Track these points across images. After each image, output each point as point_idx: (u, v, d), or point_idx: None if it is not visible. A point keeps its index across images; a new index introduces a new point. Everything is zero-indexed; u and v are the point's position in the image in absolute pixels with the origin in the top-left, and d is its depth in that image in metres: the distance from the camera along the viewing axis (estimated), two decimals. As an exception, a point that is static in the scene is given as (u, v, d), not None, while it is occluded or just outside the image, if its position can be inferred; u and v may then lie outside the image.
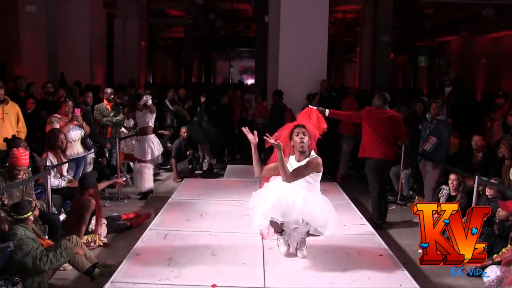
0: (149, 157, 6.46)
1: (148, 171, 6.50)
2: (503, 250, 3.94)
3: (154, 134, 6.63)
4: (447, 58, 18.45)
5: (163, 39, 22.82)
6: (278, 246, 4.04)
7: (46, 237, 4.31)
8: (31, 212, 3.76)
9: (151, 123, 6.47)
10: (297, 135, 3.84)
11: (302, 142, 3.82)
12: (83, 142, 5.99)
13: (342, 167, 7.82)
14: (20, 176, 4.34)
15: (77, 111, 5.83)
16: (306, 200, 3.68)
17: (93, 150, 6.35)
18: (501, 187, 4.70)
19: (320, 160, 3.81)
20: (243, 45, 23.81)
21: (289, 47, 8.36)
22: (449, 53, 18.39)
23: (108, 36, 13.24)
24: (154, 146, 6.50)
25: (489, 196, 4.73)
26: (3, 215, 3.87)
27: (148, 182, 6.51)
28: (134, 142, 7.63)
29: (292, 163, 3.90)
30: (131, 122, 7.38)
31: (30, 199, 4.31)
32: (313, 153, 3.91)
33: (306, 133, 3.86)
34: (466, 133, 6.51)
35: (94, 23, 11.30)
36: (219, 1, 16.01)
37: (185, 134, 7.85)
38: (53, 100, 7.25)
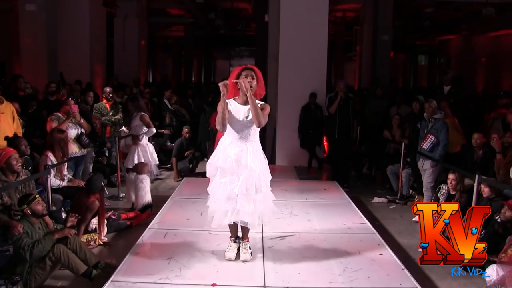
0: (129, 165, 5.78)
1: (142, 184, 5.68)
2: (509, 251, 3.92)
3: (144, 142, 5.75)
4: (447, 57, 18.45)
5: (163, 38, 22.80)
6: (227, 249, 3.94)
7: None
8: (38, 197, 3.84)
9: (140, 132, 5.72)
10: (246, 77, 3.65)
11: (250, 86, 3.63)
12: (79, 140, 5.91)
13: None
14: (20, 166, 4.30)
15: (74, 108, 5.82)
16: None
17: (92, 149, 6.35)
18: (496, 184, 4.71)
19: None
20: (243, 44, 23.80)
21: (289, 46, 8.36)
22: (449, 52, 18.38)
23: (108, 35, 13.22)
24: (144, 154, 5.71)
25: (484, 196, 4.72)
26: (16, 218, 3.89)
27: (142, 198, 5.67)
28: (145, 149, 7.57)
29: (235, 106, 3.69)
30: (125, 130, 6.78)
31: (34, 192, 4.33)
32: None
33: (254, 77, 3.68)
34: (466, 132, 6.51)
35: (94, 22, 11.27)
36: (219, 0, 16.00)
37: (187, 134, 7.83)
38: (54, 99, 7.26)
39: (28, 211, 3.78)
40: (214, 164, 3.76)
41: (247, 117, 3.67)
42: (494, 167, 5.26)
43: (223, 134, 3.81)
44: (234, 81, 3.69)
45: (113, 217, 5.18)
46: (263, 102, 3.77)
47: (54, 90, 7.46)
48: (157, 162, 6.00)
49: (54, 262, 3.70)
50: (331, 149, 7.62)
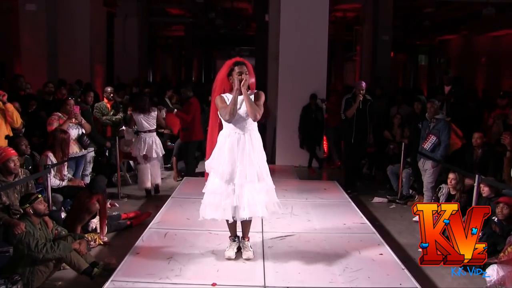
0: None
1: (139, 172, 6.70)
2: (509, 249, 3.91)
3: (142, 137, 6.65)
4: (447, 57, 18.45)
5: (163, 37, 22.78)
6: (227, 249, 3.95)
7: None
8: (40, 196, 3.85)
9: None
10: (239, 75, 3.68)
11: (244, 80, 3.67)
12: (80, 140, 5.94)
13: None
14: (17, 168, 4.29)
15: (76, 109, 5.83)
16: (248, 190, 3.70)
17: (93, 149, 6.35)
18: (496, 184, 4.70)
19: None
20: (243, 43, 23.76)
21: (289, 45, 8.37)
22: (449, 52, 18.38)
23: (108, 35, 13.22)
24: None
25: (483, 195, 4.72)
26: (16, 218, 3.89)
27: (142, 182, 6.62)
28: (134, 141, 7.62)
29: (230, 99, 3.74)
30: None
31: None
32: None
33: (247, 72, 3.71)
34: (466, 131, 6.52)
35: (94, 22, 11.27)
36: (219, 0, 16.00)
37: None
38: (53, 99, 7.25)
39: (30, 210, 3.78)
40: (210, 166, 3.80)
41: (242, 106, 3.72)
42: (503, 166, 5.25)
43: (216, 133, 3.85)
44: (235, 85, 3.70)
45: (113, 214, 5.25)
46: (256, 91, 3.81)
47: (52, 90, 7.45)
48: (159, 155, 6.74)
49: (58, 260, 3.72)
50: (346, 153, 7.24)
